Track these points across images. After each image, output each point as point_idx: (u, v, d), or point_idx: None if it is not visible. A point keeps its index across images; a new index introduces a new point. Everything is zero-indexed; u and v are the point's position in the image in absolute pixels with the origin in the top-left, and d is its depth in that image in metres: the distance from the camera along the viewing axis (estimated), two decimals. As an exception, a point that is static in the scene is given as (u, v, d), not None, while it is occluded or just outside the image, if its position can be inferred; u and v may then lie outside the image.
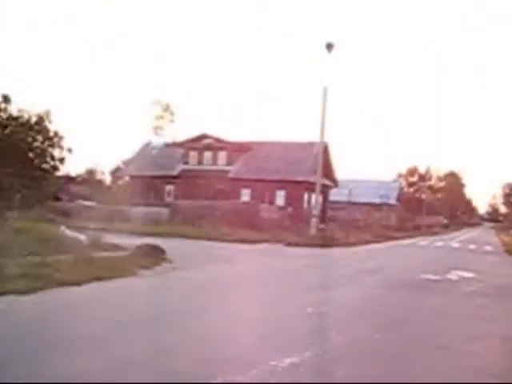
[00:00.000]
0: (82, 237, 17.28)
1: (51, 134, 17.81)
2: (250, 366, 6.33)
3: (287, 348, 7.33)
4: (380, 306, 11.64)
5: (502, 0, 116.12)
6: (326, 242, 29.48)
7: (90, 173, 64.15)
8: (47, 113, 17.85)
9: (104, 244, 17.43)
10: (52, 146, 17.84)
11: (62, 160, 18.17)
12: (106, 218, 31.94)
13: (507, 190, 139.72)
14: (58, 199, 33.83)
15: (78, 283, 11.20)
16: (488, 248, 39.42)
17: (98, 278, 11.92)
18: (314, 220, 34.68)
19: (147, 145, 54.64)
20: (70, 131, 20.73)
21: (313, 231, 33.66)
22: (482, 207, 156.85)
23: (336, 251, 27.14)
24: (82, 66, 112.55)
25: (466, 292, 14.60)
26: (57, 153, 18.01)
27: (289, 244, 27.85)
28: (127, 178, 51.69)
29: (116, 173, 58.83)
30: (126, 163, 55.86)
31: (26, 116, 17.67)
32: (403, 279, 16.68)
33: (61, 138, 17.92)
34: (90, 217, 30.19)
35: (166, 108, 60.53)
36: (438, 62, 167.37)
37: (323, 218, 42.61)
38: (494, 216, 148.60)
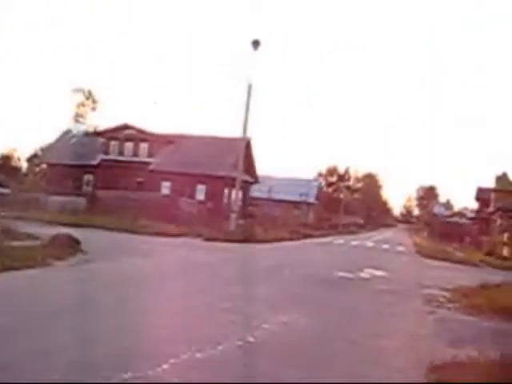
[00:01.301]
0: (-7, 225, 16.73)
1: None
2: (161, 360, 6.32)
3: (200, 342, 7.36)
4: (294, 302, 11.83)
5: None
6: (244, 238, 29.63)
7: (6, 158, 61.91)
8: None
9: (17, 233, 16.94)
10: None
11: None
12: (21, 206, 31.03)
13: (421, 193, 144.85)
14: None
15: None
16: (401, 248, 40.78)
17: (8, 268, 11.55)
18: (233, 215, 34.80)
19: (67, 132, 53.32)
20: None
21: (232, 227, 33.78)
22: (396, 208, 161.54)
23: (254, 247, 27.36)
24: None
25: (376, 290, 15.07)
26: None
27: (207, 239, 27.85)
28: (44, 166, 50.28)
29: (33, 160, 57.05)
30: (44, 150, 54.31)
31: None
32: (318, 276, 17.01)
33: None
34: (4, 204, 29.21)
35: (89, 95, 59.12)
36: (363, 62, 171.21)
37: (243, 214, 42.85)
38: (407, 218, 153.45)
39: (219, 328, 8.52)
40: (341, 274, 17.90)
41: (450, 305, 13.09)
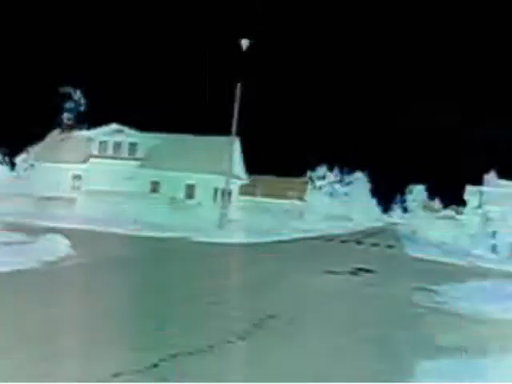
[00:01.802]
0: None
1: None
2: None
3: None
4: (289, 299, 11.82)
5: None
6: (236, 237, 29.60)
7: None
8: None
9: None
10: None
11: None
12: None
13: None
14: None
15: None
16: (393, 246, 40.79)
17: None
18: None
19: (56, 133, 53.07)
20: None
21: (222, 226, 33.81)
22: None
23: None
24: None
25: (365, 289, 14.98)
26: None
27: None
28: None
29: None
30: (33, 151, 53.94)
31: None
32: (306, 271, 17.15)
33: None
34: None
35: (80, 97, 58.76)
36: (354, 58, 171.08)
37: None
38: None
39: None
40: (331, 269, 17.99)
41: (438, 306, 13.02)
